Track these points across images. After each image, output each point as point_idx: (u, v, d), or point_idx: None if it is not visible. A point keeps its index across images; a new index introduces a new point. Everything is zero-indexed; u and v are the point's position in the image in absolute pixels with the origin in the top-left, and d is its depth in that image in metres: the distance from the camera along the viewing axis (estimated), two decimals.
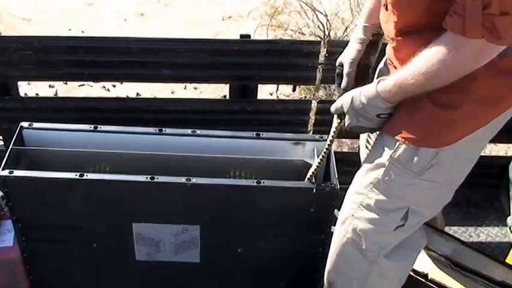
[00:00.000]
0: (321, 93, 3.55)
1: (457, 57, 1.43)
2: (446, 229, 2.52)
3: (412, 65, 1.51)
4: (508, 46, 1.41)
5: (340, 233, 1.90)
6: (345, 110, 1.71)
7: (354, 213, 1.84)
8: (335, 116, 1.81)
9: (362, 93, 1.65)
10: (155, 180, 2.01)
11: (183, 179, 2.01)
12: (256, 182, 2.03)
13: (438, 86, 1.50)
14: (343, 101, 1.72)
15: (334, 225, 2.15)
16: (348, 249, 1.88)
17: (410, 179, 1.67)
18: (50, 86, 3.68)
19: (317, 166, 1.97)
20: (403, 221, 1.74)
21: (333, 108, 1.77)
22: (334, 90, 3.61)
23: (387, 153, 1.71)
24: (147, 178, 2.01)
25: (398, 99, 1.59)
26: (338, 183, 2.05)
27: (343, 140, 3.25)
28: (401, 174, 1.68)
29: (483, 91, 1.53)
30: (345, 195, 1.96)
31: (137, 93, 3.61)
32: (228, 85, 2.64)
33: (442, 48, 1.43)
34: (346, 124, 1.75)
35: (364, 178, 1.79)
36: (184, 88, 3.81)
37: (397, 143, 1.67)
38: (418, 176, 1.66)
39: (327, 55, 2.44)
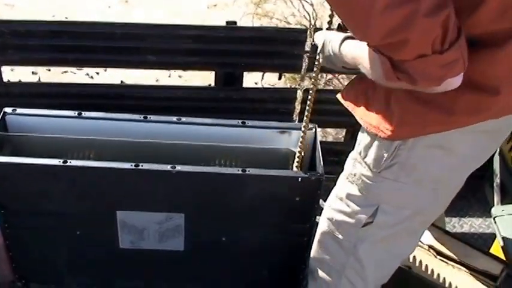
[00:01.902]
0: (306, 83, 3.53)
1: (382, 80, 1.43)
2: None
3: (361, 50, 1.49)
4: None
5: (322, 222, 1.91)
6: (318, 50, 1.73)
7: (330, 204, 1.84)
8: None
9: (330, 44, 1.65)
10: (139, 167, 1.99)
11: (167, 167, 2.00)
12: (242, 170, 2.02)
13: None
14: (316, 40, 1.74)
15: (319, 214, 2.16)
16: (327, 238, 1.87)
17: (372, 176, 1.65)
18: (32, 72, 3.64)
19: (302, 132, 1.96)
20: (371, 218, 1.72)
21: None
22: (320, 79, 3.61)
23: (356, 147, 1.71)
24: (131, 165, 1.99)
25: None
26: (323, 172, 2.05)
27: (328, 130, 3.25)
28: (365, 170, 1.67)
29: (426, 95, 1.45)
30: (329, 185, 1.96)
31: (121, 81, 3.57)
32: (213, 75, 2.62)
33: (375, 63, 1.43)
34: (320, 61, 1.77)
35: (344, 171, 1.79)
36: (169, 76, 3.79)
37: (362, 137, 1.67)
38: (377, 173, 1.63)
39: (313, 43, 2.42)
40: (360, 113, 1.62)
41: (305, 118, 1.87)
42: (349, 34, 1.62)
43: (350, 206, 1.74)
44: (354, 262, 1.83)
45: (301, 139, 1.96)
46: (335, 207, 1.81)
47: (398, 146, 1.57)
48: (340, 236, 1.81)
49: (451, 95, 1.39)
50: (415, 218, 1.73)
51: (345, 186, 1.75)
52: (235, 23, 2.41)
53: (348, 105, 1.69)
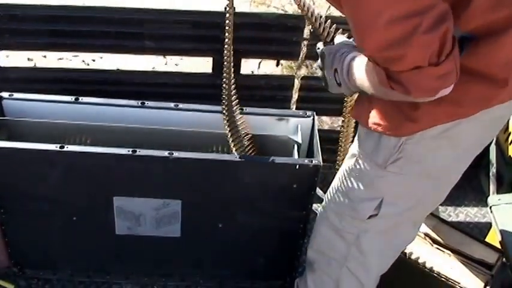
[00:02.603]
0: (303, 71, 3.52)
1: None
2: None
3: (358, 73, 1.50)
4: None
5: (321, 214, 1.90)
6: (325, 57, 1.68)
7: (331, 198, 1.84)
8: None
9: (340, 64, 1.60)
10: (137, 153, 1.99)
11: (165, 153, 2.00)
12: (239, 157, 2.02)
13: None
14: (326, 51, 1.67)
15: (316, 202, 2.16)
16: (327, 230, 1.87)
17: (377, 170, 1.65)
18: (28, 59, 3.62)
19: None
20: (376, 210, 1.72)
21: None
22: (316, 68, 3.60)
23: (357, 143, 1.70)
24: (128, 151, 1.99)
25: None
26: (321, 159, 2.05)
27: (323, 118, 3.25)
28: (368, 165, 1.67)
29: None
30: (325, 173, 1.96)
31: (117, 69, 3.55)
32: (210, 64, 2.61)
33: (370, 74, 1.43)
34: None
35: (343, 165, 1.79)
36: (165, 64, 3.77)
37: (365, 134, 1.66)
38: (383, 168, 1.63)
39: (312, 30, 2.42)
40: (366, 118, 1.60)
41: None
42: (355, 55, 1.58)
43: (354, 200, 1.74)
44: (356, 253, 1.84)
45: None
46: (337, 201, 1.80)
47: (404, 140, 1.57)
48: (342, 228, 1.81)
49: (459, 89, 1.38)
50: (417, 208, 1.74)
51: (347, 181, 1.75)
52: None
53: (356, 116, 1.69)
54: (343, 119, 2.09)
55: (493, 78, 1.44)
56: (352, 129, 2.10)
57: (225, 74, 1.94)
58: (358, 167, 1.70)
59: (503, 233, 2.23)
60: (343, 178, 1.76)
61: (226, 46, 1.88)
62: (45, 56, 3.64)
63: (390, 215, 1.73)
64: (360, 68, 1.50)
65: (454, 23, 1.30)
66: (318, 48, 1.73)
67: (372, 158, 1.65)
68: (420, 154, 1.59)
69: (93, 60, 3.73)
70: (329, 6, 3.82)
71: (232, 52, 1.91)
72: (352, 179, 1.73)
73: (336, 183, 1.82)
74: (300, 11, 1.82)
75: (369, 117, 1.58)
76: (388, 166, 1.62)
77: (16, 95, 2.19)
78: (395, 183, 1.66)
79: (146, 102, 2.17)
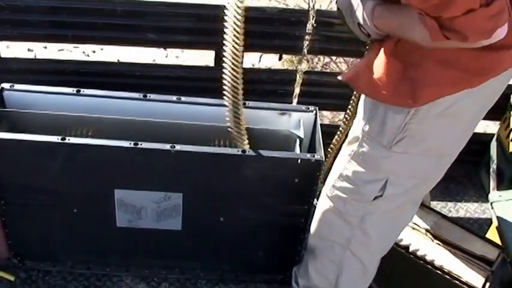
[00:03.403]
0: (304, 66, 3.52)
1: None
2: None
3: (397, 15, 1.46)
4: None
5: (323, 200, 1.91)
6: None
7: (334, 183, 1.84)
8: None
9: (359, 8, 1.55)
10: (139, 146, 1.98)
11: (167, 146, 1.99)
12: (241, 151, 2.01)
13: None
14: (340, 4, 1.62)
15: (318, 197, 2.16)
16: (330, 215, 1.88)
17: (382, 151, 1.67)
18: (28, 49, 3.61)
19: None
20: (381, 191, 1.74)
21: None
22: (317, 63, 3.60)
23: (360, 126, 1.71)
24: (130, 144, 1.98)
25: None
26: (323, 154, 2.05)
27: (324, 113, 3.24)
28: (373, 147, 1.68)
29: (445, 53, 1.45)
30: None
31: (118, 60, 3.54)
32: (210, 58, 2.60)
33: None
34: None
35: (344, 150, 1.80)
36: (166, 57, 3.75)
37: (368, 116, 1.67)
38: (388, 148, 1.65)
39: (315, 25, 2.41)
40: (371, 89, 1.59)
41: None
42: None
43: (358, 183, 1.75)
44: (360, 236, 1.85)
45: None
46: (340, 186, 1.81)
47: (409, 119, 1.58)
48: (346, 212, 1.83)
49: (468, 54, 1.40)
50: (419, 187, 1.78)
51: (350, 165, 1.76)
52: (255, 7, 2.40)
53: (356, 85, 1.67)
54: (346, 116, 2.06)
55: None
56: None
57: (232, 68, 1.90)
58: (361, 150, 1.71)
59: (503, 229, 2.24)
60: (346, 162, 1.77)
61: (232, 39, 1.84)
62: (45, 47, 3.63)
63: (395, 195, 1.75)
64: (394, 17, 1.46)
65: None
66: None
67: (377, 139, 1.66)
68: (424, 133, 1.61)
69: (94, 52, 3.72)
70: (331, 1, 3.81)
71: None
72: (355, 162, 1.74)
73: (338, 168, 1.82)
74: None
75: (376, 87, 1.57)
76: (393, 146, 1.64)
77: (17, 86, 2.18)
78: (400, 163, 1.68)
79: (148, 95, 2.16)
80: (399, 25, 1.47)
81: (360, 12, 1.55)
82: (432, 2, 1.27)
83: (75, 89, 2.17)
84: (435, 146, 1.66)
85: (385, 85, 1.55)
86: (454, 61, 1.46)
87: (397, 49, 1.53)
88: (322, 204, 1.92)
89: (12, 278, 2.35)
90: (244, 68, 2.62)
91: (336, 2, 1.65)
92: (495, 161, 2.82)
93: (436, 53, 1.45)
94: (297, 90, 2.72)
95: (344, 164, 1.78)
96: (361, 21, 1.56)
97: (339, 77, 1.69)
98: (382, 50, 1.55)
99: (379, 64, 1.55)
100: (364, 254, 1.91)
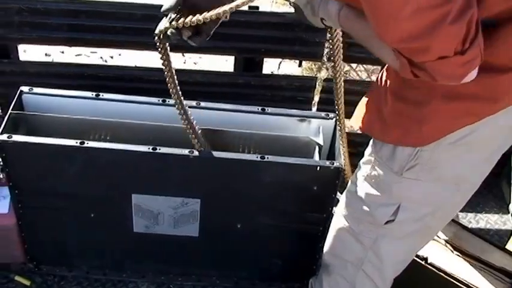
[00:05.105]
0: (323, 74, 3.50)
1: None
2: None
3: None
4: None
5: (338, 218, 1.88)
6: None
7: (348, 203, 1.81)
8: None
9: (323, 4, 1.53)
10: (157, 151, 1.97)
11: (185, 151, 1.98)
12: (260, 157, 1.99)
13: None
14: None
15: (336, 205, 2.13)
16: (344, 234, 1.85)
17: (393, 177, 1.62)
18: (46, 54, 3.62)
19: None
20: (393, 216, 1.69)
21: None
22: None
23: (372, 149, 1.68)
24: (149, 148, 1.97)
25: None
26: (343, 162, 2.02)
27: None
28: (385, 172, 1.64)
29: (451, 87, 1.40)
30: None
31: (135, 66, 3.54)
32: (228, 64, 2.59)
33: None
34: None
35: (359, 170, 1.76)
36: (184, 63, 3.75)
37: (379, 142, 1.64)
38: (399, 175, 1.60)
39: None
40: (379, 132, 1.59)
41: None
42: None
43: (370, 205, 1.71)
44: (372, 257, 1.81)
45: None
46: (354, 206, 1.78)
47: (420, 148, 1.54)
48: (360, 232, 1.79)
49: (476, 82, 1.35)
50: (435, 214, 1.70)
51: (363, 186, 1.72)
52: (257, 8, 2.37)
53: (363, 128, 1.66)
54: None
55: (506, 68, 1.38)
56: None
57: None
58: (374, 173, 1.67)
59: None
60: (360, 183, 1.73)
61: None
62: (62, 52, 3.64)
63: (407, 220, 1.70)
64: (360, 28, 1.45)
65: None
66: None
67: (388, 165, 1.62)
68: (437, 161, 1.55)
69: (111, 57, 3.72)
70: None
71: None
72: (368, 184, 1.70)
73: (352, 187, 1.79)
74: None
75: (383, 131, 1.57)
76: (404, 173, 1.59)
77: (36, 89, 2.18)
78: (412, 189, 1.63)
79: (167, 100, 2.14)
80: (364, 37, 1.46)
81: (323, 9, 1.53)
82: (410, 45, 1.26)
83: (94, 93, 2.17)
84: (451, 174, 1.59)
85: (394, 128, 1.54)
86: (462, 93, 1.42)
87: (401, 89, 1.51)
88: (337, 222, 1.88)
89: (28, 283, 2.34)
90: (264, 74, 2.63)
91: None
92: None
93: (442, 88, 1.41)
94: (316, 98, 2.70)
95: (359, 184, 1.74)
96: (325, 18, 1.55)
97: (354, 125, 1.70)
98: (387, 92, 1.54)
99: (387, 108, 1.55)
100: (377, 275, 1.86)
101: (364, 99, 1.69)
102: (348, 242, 1.85)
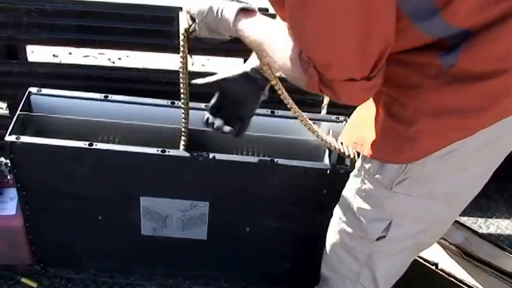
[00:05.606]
0: None
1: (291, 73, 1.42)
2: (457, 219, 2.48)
3: (263, 33, 1.50)
4: (453, 52, 1.32)
5: (332, 234, 1.85)
6: (196, 19, 1.64)
7: (341, 217, 1.79)
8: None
9: (222, 12, 1.56)
10: (166, 153, 1.95)
11: (194, 154, 1.96)
12: (270, 160, 1.98)
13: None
14: (197, 8, 1.62)
15: None
16: (339, 249, 1.82)
17: (384, 191, 1.59)
18: (54, 55, 3.61)
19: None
20: (385, 232, 1.66)
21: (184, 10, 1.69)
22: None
23: (362, 162, 1.65)
24: (157, 151, 1.96)
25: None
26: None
27: None
28: (375, 186, 1.61)
29: (437, 103, 1.39)
30: None
31: (143, 67, 3.53)
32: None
33: (288, 48, 1.40)
34: (197, 32, 1.67)
35: (350, 183, 1.73)
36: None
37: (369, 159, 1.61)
38: (389, 189, 1.57)
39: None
40: (368, 150, 1.57)
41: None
42: (246, 5, 1.56)
43: (362, 220, 1.68)
44: (368, 272, 1.79)
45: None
46: (346, 221, 1.75)
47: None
48: (353, 247, 1.76)
49: (463, 96, 1.36)
50: (428, 230, 1.68)
51: (355, 200, 1.69)
52: (267, 10, 2.35)
53: (353, 146, 1.66)
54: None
55: (494, 75, 1.35)
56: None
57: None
58: (364, 187, 1.64)
59: None
60: (352, 197, 1.70)
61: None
62: (70, 53, 3.63)
63: (399, 237, 1.67)
64: (274, 36, 1.48)
65: (450, 20, 1.27)
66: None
67: (377, 180, 1.59)
68: (428, 175, 1.52)
69: (119, 59, 3.71)
70: None
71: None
72: (360, 199, 1.67)
73: (344, 201, 1.76)
74: None
75: (372, 148, 1.55)
76: (394, 187, 1.56)
77: (44, 90, 2.17)
78: (404, 204, 1.60)
79: (176, 102, 2.13)
80: (261, 47, 1.50)
81: (223, 14, 1.56)
82: (320, 60, 1.30)
83: (102, 95, 2.16)
84: (443, 189, 1.55)
85: (384, 145, 1.53)
86: (453, 108, 1.39)
87: (390, 105, 1.49)
88: (331, 237, 1.86)
89: (35, 285, 2.33)
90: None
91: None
92: None
93: (429, 105, 1.40)
94: (325, 101, 2.68)
95: (350, 198, 1.71)
96: (222, 28, 1.59)
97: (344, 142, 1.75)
98: (374, 109, 1.54)
99: (377, 125, 1.54)
100: (373, 287, 1.85)
101: (354, 115, 1.71)
102: (343, 256, 1.82)
